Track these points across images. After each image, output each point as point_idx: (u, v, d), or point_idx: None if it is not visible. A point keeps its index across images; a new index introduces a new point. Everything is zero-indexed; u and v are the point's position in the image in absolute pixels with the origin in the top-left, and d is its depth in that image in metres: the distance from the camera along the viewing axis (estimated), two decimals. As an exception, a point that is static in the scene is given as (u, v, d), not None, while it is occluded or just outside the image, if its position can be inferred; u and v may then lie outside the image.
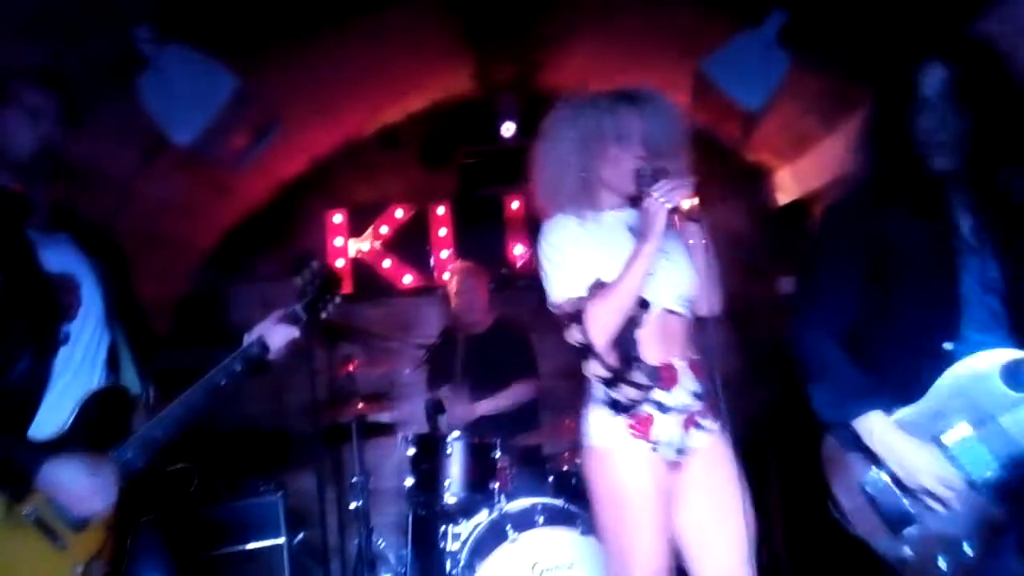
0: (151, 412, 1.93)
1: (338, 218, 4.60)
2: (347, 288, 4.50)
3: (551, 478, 3.38)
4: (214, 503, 3.44)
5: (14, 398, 1.76)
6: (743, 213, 4.66)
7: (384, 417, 3.87)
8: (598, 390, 1.94)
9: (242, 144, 3.01)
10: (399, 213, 4.64)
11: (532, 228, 4.62)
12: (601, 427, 1.93)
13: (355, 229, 4.60)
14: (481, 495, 3.21)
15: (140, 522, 1.89)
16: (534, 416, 3.82)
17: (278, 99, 3.30)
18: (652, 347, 1.91)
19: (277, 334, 2.05)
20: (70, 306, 1.87)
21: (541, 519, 2.95)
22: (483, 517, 3.12)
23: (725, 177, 4.60)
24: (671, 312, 1.95)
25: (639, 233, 1.88)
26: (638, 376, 1.85)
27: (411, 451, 3.41)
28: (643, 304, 1.88)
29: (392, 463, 4.27)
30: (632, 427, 1.89)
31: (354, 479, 3.71)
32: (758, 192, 4.62)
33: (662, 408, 1.91)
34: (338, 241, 4.58)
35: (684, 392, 1.93)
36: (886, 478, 1.80)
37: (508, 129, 4.26)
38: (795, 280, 2.09)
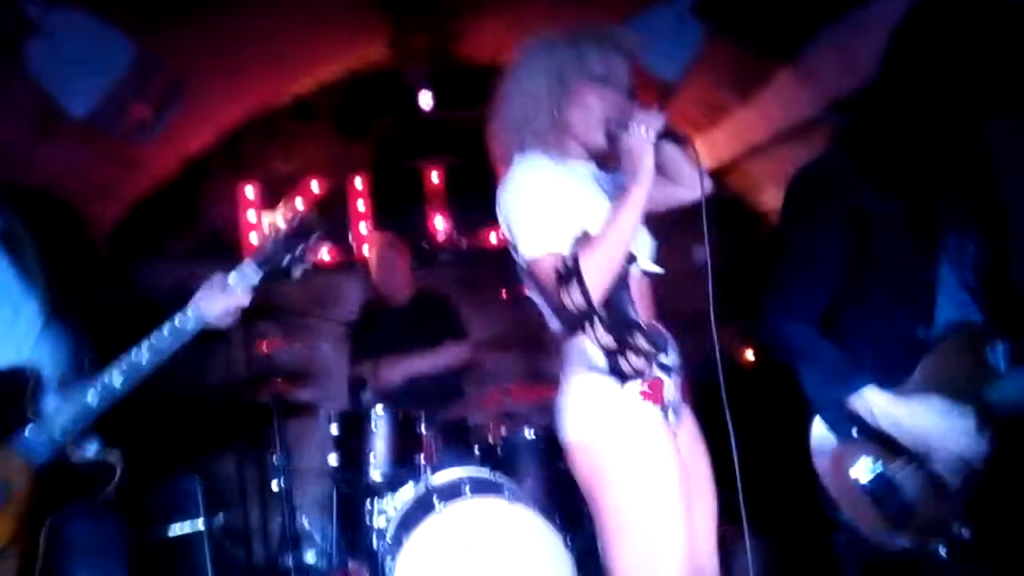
0: (74, 392, 1.79)
1: (250, 191, 4.45)
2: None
3: (477, 449, 3.39)
4: (131, 489, 3.31)
5: None
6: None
7: (304, 395, 3.80)
8: (596, 359, 1.66)
9: (144, 115, 2.86)
10: (315, 186, 4.53)
11: (453, 201, 4.60)
12: (606, 403, 1.66)
13: (268, 202, 4.47)
14: (407, 469, 3.20)
15: (69, 512, 1.77)
16: (458, 388, 3.82)
17: (181, 67, 3.14)
18: (641, 305, 1.71)
19: (214, 303, 1.80)
20: None
21: (468, 489, 2.97)
22: (409, 491, 3.11)
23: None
24: (645, 272, 1.79)
25: (627, 175, 1.64)
26: (642, 341, 1.61)
27: (334, 428, 3.37)
28: (630, 258, 1.68)
29: (314, 441, 4.21)
30: (644, 393, 1.66)
31: (275, 458, 3.64)
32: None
33: (667, 370, 1.72)
34: (251, 215, 4.43)
35: (676, 352, 1.76)
36: (880, 467, 1.76)
37: (426, 99, 4.19)
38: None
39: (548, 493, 3.30)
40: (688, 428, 1.82)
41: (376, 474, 3.21)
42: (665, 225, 4.69)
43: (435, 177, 4.61)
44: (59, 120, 2.77)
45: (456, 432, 3.55)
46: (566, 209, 1.67)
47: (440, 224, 4.57)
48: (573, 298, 1.58)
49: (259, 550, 4.18)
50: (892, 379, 1.76)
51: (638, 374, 1.64)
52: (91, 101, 2.43)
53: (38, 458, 1.73)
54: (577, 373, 1.70)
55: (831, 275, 1.80)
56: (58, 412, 1.76)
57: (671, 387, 1.73)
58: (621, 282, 1.65)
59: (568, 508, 3.36)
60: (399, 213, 4.52)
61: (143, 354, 1.76)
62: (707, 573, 1.76)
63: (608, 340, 1.62)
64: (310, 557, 3.92)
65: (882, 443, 1.76)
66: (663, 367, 1.72)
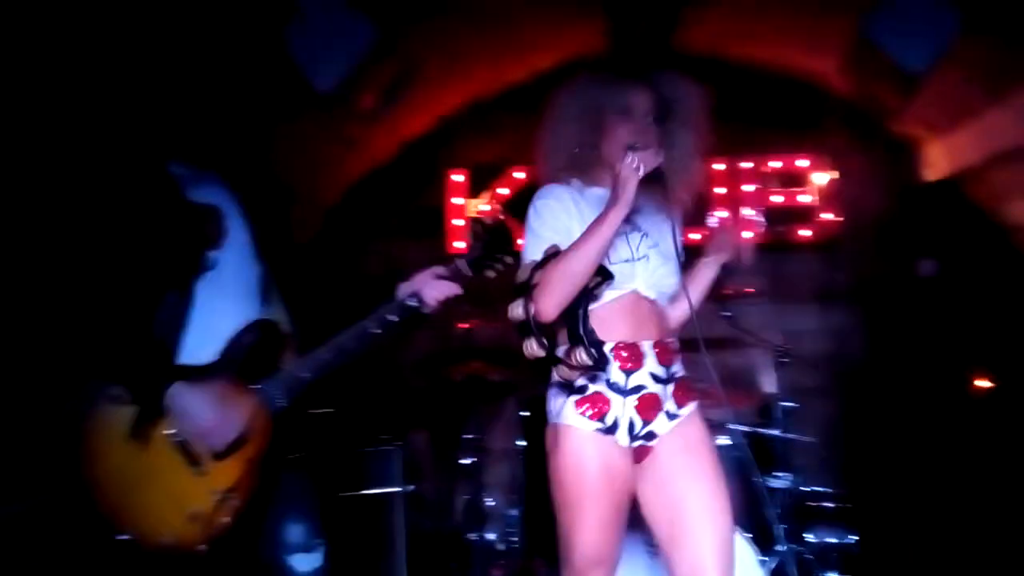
0: (297, 351, 1.94)
1: (459, 177, 4.59)
2: (464, 248, 4.49)
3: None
4: (338, 452, 3.50)
5: (160, 323, 1.81)
6: (882, 189, 4.39)
7: (498, 377, 3.86)
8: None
9: (376, 96, 3.02)
10: (519, 175, 4.59)
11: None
12: (555, 406, 1.95)
13: (474, 189, 4.58)
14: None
15: (285, 461, 1.90)
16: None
17: (411, 53, 3.28)
18: (620, 325, 1.90)
19: (435, 289, 2.03)
20: (215, 234, 1.90)
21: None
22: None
23: (865, 149, 4.33)
24: (643, 297, 1.95)
25: (610, 198, 1.83)
26: (581, 355, 1.78)
27: (525, 413, 3.38)
28: (604, 274, 1.83)
29: (506, 423, 4.27)
30: (581, 405, 1.89)
31: (467, 436, 3.72)
32: (903, 167, 4.31)
33: (617, 389, 1.89)
34: (457, 200, 4.57)
35: (646, 374, 1.91)
36: None
37: (638, 91, 4.11)
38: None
39: (741, 505, 3.13)
40: (675, 445, 1.94)
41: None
42: (888, 239, 4.29)
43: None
44: (296, 99, 2.99)
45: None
46: (560, 231, 1.89)
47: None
48: (514, 311, 1.85)
49: (444, 523, 4.29)
50: None
51: (576, 385, 1.88)
52: (334, 77, 2.59)
53: (274, 407, 1.85)
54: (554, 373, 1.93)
55: None
56: (297, 366, 1.89)
57: (624, 406, 1.89)
58: (585, 297, 1.82)
59: (759, 523, 3.17)
60: (600, 206, 4.47)
61: (373, 323, 1.95)
62: None
63: (537, 351, 1.84)
64: (492, 537, 3.97)
65: None
66: (613, 386, 1.89)
